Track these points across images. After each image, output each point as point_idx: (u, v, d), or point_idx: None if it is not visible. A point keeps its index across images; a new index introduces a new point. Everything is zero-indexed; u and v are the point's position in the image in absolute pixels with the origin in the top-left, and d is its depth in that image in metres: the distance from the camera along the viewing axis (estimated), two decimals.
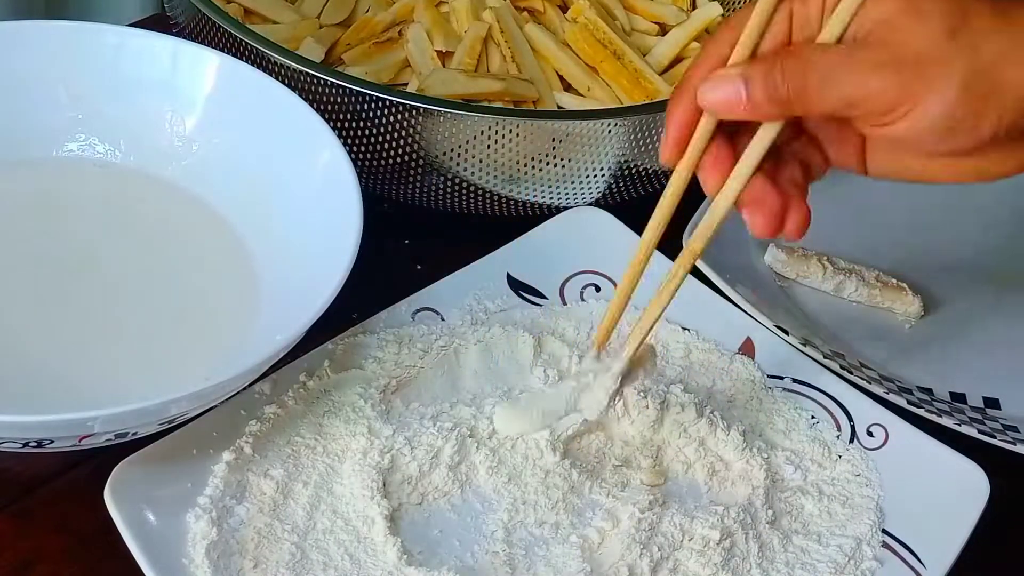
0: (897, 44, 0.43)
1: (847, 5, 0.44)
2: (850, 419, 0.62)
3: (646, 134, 0.67)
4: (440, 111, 0.63)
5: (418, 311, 0.63)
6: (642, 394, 0.57)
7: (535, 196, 0.68)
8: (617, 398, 0.55)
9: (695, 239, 0.51)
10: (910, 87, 0.43)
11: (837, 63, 0.44)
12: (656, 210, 0.51)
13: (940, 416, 0.62)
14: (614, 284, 0.67)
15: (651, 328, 0.53)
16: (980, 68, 0.43)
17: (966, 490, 0.58)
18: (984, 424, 0.63)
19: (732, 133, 0.48)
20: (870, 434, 0.61)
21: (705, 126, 0.48)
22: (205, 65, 0.64)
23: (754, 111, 0.46)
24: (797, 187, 0.49)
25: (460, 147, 0.64)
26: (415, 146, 0.65)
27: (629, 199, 0.71)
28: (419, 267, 0.69)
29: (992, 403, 0.67)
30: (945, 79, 0.43)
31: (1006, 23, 0.43)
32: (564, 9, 0.80)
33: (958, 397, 0.67)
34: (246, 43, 0.65)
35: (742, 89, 0.45)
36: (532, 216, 0.70)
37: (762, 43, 0.46)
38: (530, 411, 0.56)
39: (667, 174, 0.70)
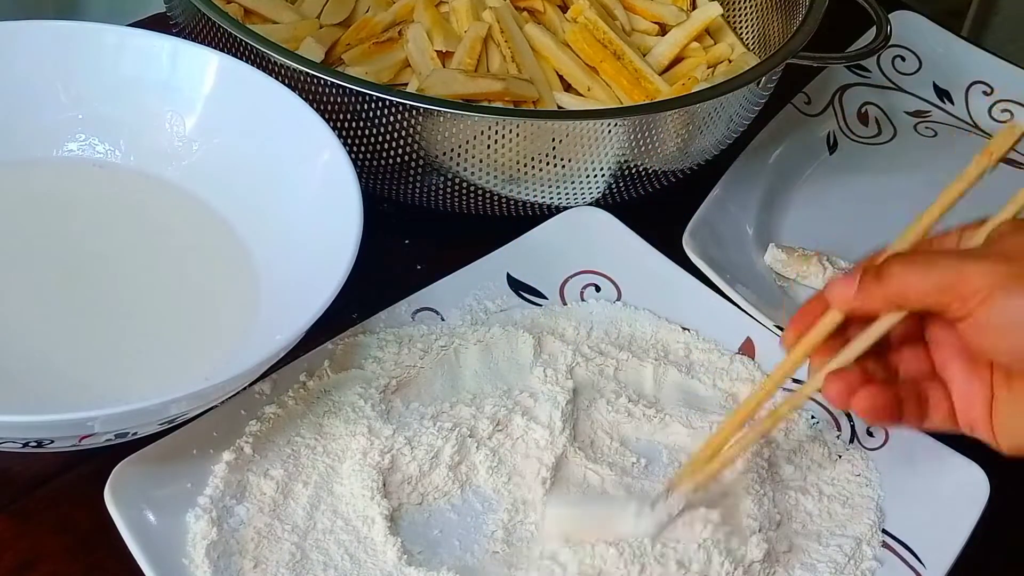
0: (998, 244, 0.49)
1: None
2: (850, 419, 0.62)
3: (646, 134, 0.67)
4: (440, 111, 0.63)
5: (418, 311, 0.63)
6: None
7: (535, 196, 0.68)
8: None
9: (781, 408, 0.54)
10: (998, 271, 0.47)
11: (940, 254, 0.50)
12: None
13: None
14: (614, 284, 0.67)
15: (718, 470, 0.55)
16: None
17: (966, 490, 0.58)
18: None
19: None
20: (870, 434, 0.61)
21: (831, 319, 0.52)
22: (205, 65, 0.64)
23: (861, 300, 0.50)
24: (907, 390, 0.51)
25: (460, 147, 0.64)
26: (415, 146, 0.65)
27: (629, 199, 0.71)
28: (419, 267, 0.69)
29: None
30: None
31: None
32: (564, 9, 0.80)
33: None
34: (246, 43, 0.65)
35: (855, 282, 0.50)
36: (532, 216, 0.70)
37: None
38: (590, 518, 0.54)
39: (665, 174, 0.71)
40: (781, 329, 0.64)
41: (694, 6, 0.84)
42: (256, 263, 0.61)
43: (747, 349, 0.65)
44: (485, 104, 0.70)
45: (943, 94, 0.89)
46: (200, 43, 0.66)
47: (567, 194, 0.69)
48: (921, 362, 0.52)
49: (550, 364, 0.61)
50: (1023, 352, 0.47)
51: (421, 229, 0.72)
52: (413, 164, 0.66)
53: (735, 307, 0.66)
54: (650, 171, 0.70)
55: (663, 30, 0.82)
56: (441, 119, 0.63)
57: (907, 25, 0.91)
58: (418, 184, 0.67)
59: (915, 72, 0.90)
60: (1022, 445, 0.50)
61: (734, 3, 0.85)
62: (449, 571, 0.51)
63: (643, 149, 0.67)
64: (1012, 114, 0.87)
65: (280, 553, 0.52)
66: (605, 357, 0.62)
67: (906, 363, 0.52)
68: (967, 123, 0.87)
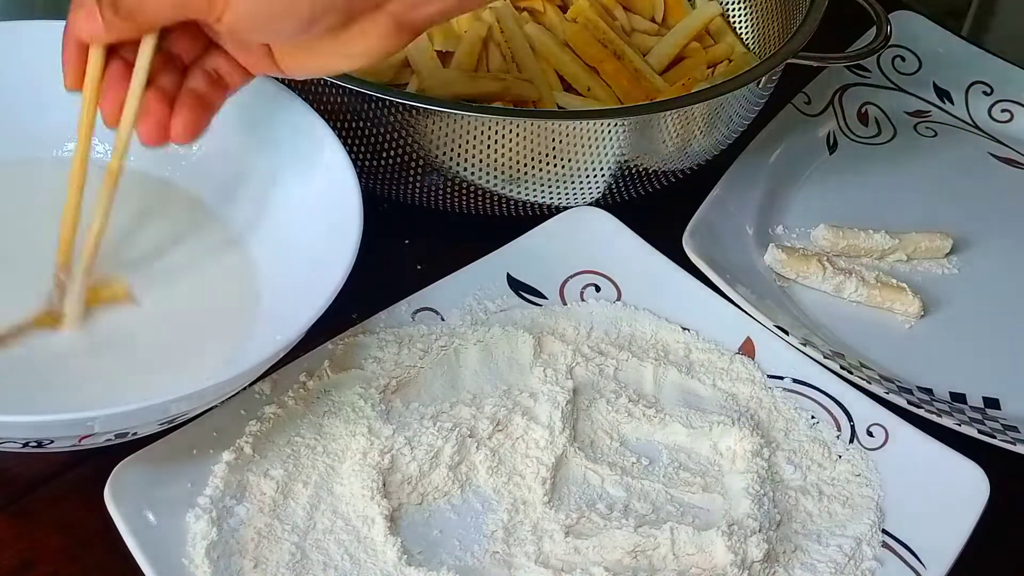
0: None
1: None
2: (850, 419, 0.62)
3: (646, 134, 0.67)
4: (440, 111, 0.63)
5: (418, 311, 0.63)
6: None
7: (535, 196, 0.68)
8: None
9: (108, 167, 0.55)
10: None
11: None
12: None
13: (940, 416, 0.62)
14: (614, 284, 0.67)
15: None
16: None
17: (966, 490, 0.58)
18: (984, 424, 0.63)
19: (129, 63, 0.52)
20: (870, 434, 0.61)
21: (96, 55, 0.51)
22: None
23: (112, 33, 0.50)
24: (199, 97, 0.53)
25: (460, 147, 0.64)
26: (415, 146, 0.65)
27: (629, 199, 0.71)
28: (419, 267, 0.69)
29: (992, 403, 0.67)
30: None
31: None
32: (564, 9, 0.80)
33: (958, 397, 0.67)
34: None
35: (98, 15, 0.49)
36: (532, 216, 0.70)
37: None
38: None
39: (665, 174, 0.71)
40: (781, 329, 0.64)
41: (694, 5, 0.84)
42: (256, 263, 0.61)
43: (747, 349, 0.65)
44: (485, 104, 0.70)
45: (943, 94, 0.89)
46: None
47: (567, 194, 0.69)
48: (219, 64, 0.54)
49: (550, 364, 0.61)
50: (283, 34, 0.49)
51: (421, 229, 0.72)
52: (413, 164, 0.66)
53: (735, 307, 0.66)
54: (650, 171, 0.70)
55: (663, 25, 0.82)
56: (441, 119, 0.63)
57: (907, 25, 0.91)
58: (418, 184, 0.67)
59: (915, 72, 0.90)
60: (304, 73, 0.54)
61: (734, 3, 0.85)
62: (449, 571, 0.51)
63: (643, 149, 0.67)
64: (1012, 114, 0.87)
65: (280, 553, 0.52)
66: (605, 357, 0.62)
67: (205, 71, 0.54)
68: (967, 123, 0.87)
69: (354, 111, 0.64)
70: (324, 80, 0.63)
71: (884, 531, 0.57)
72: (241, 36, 0.50)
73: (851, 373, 0.63)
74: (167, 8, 0.49)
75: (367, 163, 0.66)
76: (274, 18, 0.48)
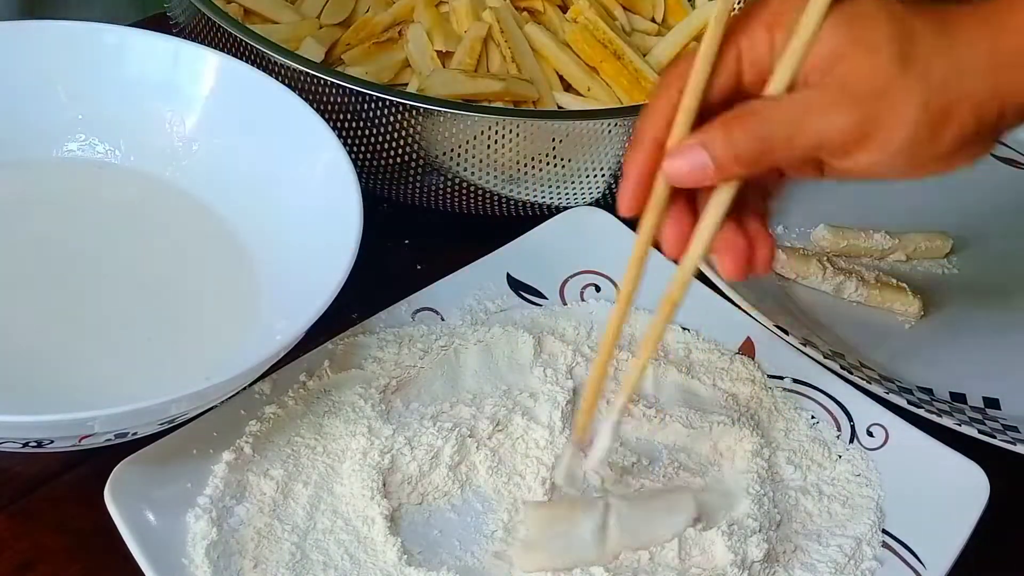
0: (852, 82, 0.44)
1: (796, 48, 0.44)
2: (850, 419, 0.62)
3: None
4: (440, 111, 0.63)
5: (418, 311, 0.63)
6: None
7: (535, 196, 0.68)
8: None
9: (673, 292, 0.50)
10: (871, 121, 0.44)
11: (798, 113, 0.45)
12: (625, 279, 0.51)
13: (940, 416, 0.62)
14: (614, 284, 0.67)
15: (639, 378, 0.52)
16: (934, 89, 0.44)
17: (966, 490, 0.58)
18: (984, 424, 0.63)
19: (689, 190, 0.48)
20: (870, 434, 0.61)
21: (663, 184, 0.47)
22: (205, 65, 0.64)
23: (723, 176, 0.46)
24: (760, 218, 0.49)
25: (460, 147, 0.64)
26: (415, 146, 0.65)
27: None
28: (419, 267, 0.69)
29: (992, 403, 0.67)
30: (904, 108, 0.44)
31: (948, 38, 0.44)
32: (564, 9, 0.80)
33: (958, 397, 0.67)
34: (246, 43, 0.65)
35: (707, 160, 0.45)
36: (532, 216, 0.70)
37: (714, 85, 0.46)
38: (552, 549, 0.53)
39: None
40: (781, 329, 0.64)
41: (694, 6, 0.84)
42: (256, 263, 0.61)
43: (747, 349, 0.65)
44: (485, 104, 0.70)
45: None
46: (200, 43, 0.65)
47: (567, 194, 0.69)
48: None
49: (550, 364, 0.61)
50: (912, 163, 0.45)
51: (421, 229, 0.72)
52: (413, 164, 0.66)
53: (735, 307, 0.66)
54: None
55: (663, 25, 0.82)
56: (441, 119, 0.63)
57: None
58: (418, 184, 0.67)
59: None
60: (844, 180, 0.48)
61: (734, 3, 0.85)
62: (449, 571, 0.51)
63: None
64: None
65: (280, 553, 0.52)
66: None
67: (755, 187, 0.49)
68: None
69: (354, 111, 0.64)
70: (324, 80, 0.63)
71: (884, 531, 0.57)
72: (858, 176, 0.46)
73: (851, 373, 0.63)
74: (800, 151, 0.45)
75: (367, 163, 0.66)
76: (913, 153, 0.44)
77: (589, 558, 0.52)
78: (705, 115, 0.46)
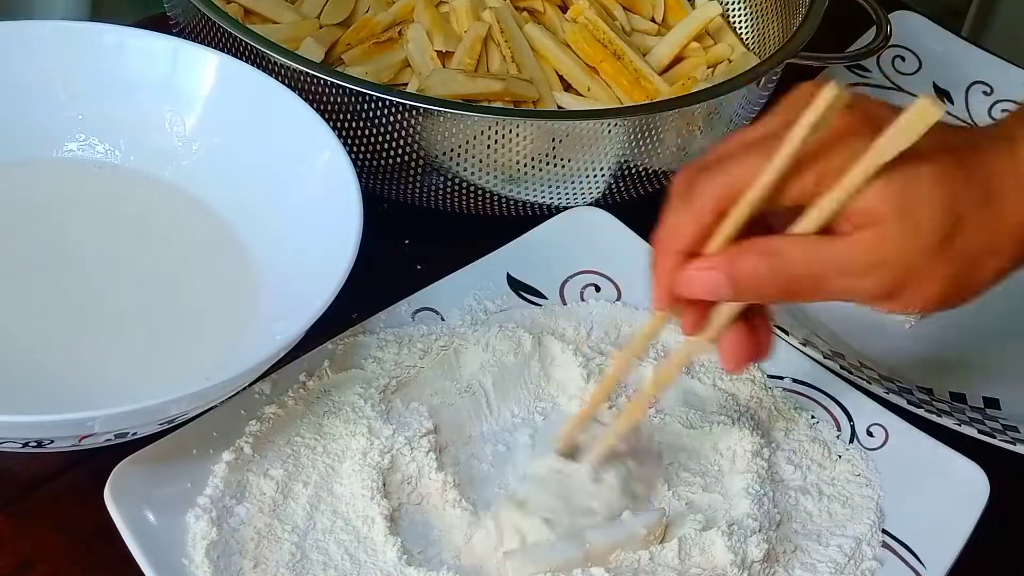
0: (888, 253, 0.45)
1: (837, 197, 0.44)
2: (850, 419, 0.62)
3: (646, 134, 0.67)
4: (440, 111, 0.63)
5: (418, 311, 0.63)
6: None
7: (535, 196, 0.68)
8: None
9: (664, 374, 0.54)
10: (898, 287, 0.45)
11: (827, 269, 0.45)
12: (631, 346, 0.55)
13: (940, 416, 0.62)
14: (614, 284, 0.67)
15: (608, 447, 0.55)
16: (966, 264, 0.46)
17: (966, 490, 0.58)
18: (984, 424, 0.63)
19: None
20: (870, 434, 0.61)
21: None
22: (205, 65, 0.64)
23: (739, 300, 0.48)
24: (764, 319, 0.50)
25: (460, 147, 0.64)
26: (415, 146, 0.65)
27: (629, 199, 0.71)
28: (419, 267, 0.69)
29: (992, 403, 0.67)
30: (932, 281, 0.46)
31: (990, 211, 0.45)
32: (564, 9, 0.80)
33: (958, 397, 0.67)
34: (246, 43, 0.65)
35: (727, 289, 0.46)
36: (532, 216, 0.70)
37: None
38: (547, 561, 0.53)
39: (665, 174, 0.71)
40: (781, 329, 0.64)
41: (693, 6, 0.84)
42: (256, 263, 0.61)
43: None
44: (485, 104, 0.70)
45: (943, 94, 0.89)
46: (200, 43, 0.66)
47: (567, 194, 0.69)
48: None
49: (550, 364, 0.61)
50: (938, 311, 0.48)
51: (421, 229, 0.72)
52: (413, 164, 0.66)
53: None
54: (650, 171, 0.70)
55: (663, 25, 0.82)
56: (441, 119, 0.63)
57: (907, 25, 0.91)
58: (418, 184, 0.67)
59: (915, 72, 0.90)
60: None
61: (734, 3, 0.85)
62: (449, 571, 0.51)
63: (643, 149, 0.67)
64: None
65: (280, 553, 0.52)
66: (605, 357, 0.62)
67: None
68: (967, 123, 0.87)
69: (354, 111, 0.64)
70: (324, 80, 0.63)
71: (884, 531, 0.57)
72: (883, 311, 0.48)
73: (851, 373, 0.63)
74: (822, 298, 0.46)
75: (367, 163, 0.66)
76: (935, 308, 0.47)
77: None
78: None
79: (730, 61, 0.81)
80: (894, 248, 0.44)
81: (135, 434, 0.51)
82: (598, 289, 0.67)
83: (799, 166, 0.45)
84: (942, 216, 0.44)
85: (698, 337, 0.50)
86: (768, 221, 0.47)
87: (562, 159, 0.66)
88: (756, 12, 0.84)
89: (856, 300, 0.47)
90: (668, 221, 0.48)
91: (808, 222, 0.45)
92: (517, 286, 0.66)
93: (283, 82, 0.64)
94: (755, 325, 0.50)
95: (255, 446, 0.55)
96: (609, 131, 0.65)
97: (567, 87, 0.76)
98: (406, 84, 0.74)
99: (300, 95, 0.63)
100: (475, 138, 0.64)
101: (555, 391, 0.61)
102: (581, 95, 0.75)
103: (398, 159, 0.66)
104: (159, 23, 0.73)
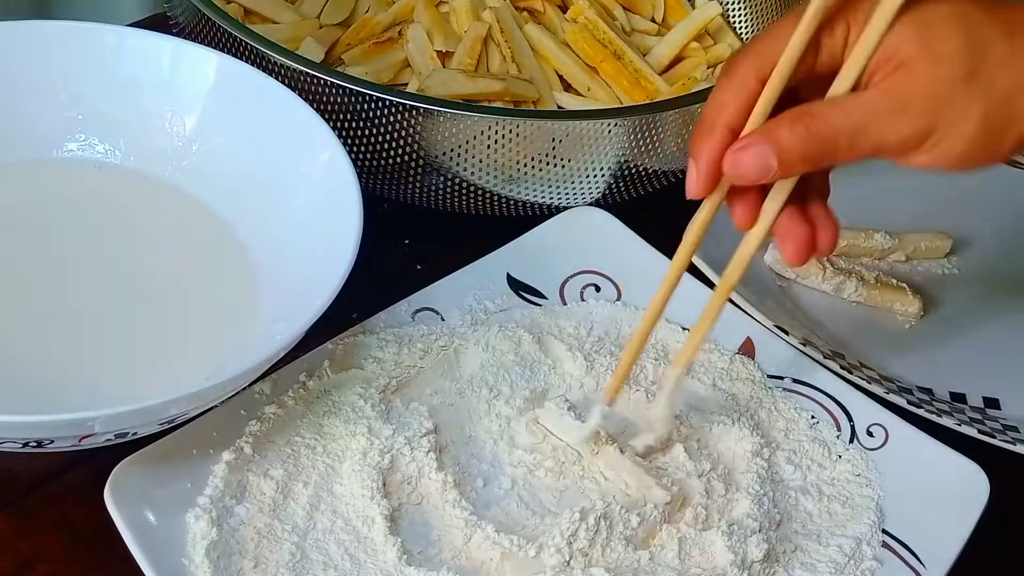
0: (916, 91, 0.45)
1: (863, 48, 0.45)
2: (850, 419, 0.62)
3: (646, 134, 0.67)
4: (440, 111, 0.63)
5: (418, 311, 0.63)
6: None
7: (535, 196, 0.68)
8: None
9: (730, 273, 0.52)
10: (931, 131, 0.45)
11: (861, 119, 0.46)
12: (683, 244, 0.53)
13: (940, 416, 0.62)
14: (614, 284, 0.67)
15: (691, 357, 0.55)
16: (998, 102, 0.45)
17: (966, 490, 0.58)
18: (984, 424, 0.63)
19: None
20: (870, 434, 0.61)
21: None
22: (205, 65, 0.64)
23: (785, 174, 0.47)
24: (821, 197, 0.51)
25: (460, 147, 0.64)
26: (415, 146, 0.65)
27: (629, 199, 0.71)
28: (419, 267, 0.69)
29: (992, 403, 0.67)
30: (965, 120, 0.45)
31: (1016, 47, 0.45)
32: (564, 9, 0.80)
33: (958, 397, 0.67)
34: (246, 43, 0.65)
35: (772, 159, 0.46)
36: (532, 216, 0.70)
37: (794, 73, 0.47)
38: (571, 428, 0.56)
39: (665, 174, 0.71)
40: (781, 329, 0.64)
41: (693, 5, 0.84)
42: (256, 263, 0.61)
43: (747, 349, 0.65)
44: (485, 104, 0.70)
45: None
46: (200, 43, 0.65)
47: (567, 194, 0.69)
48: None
49: (550, 364, 0.61)
50: (968, 167, 0.47)
51: (421, 229, 0.72)
52: (413, 164, 0.66)
53: (735, 307, 0.66)
54: (650, 171, 0.70)
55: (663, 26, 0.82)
56: (441, 119, 0.63)
57: None
58: (418, 184, 0.67)
59: None
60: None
61: (734, 3, 0.85)
62: (449, 571, 0.51)
63: (643, 149, 0.67)
64: None
65: (280, 553, 0.52)
66: (605, 357, 0.62)
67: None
68: None
69: (354, 111, 0.64)
70: (324, 80, 0.63)
71: (884, 531, 0.57)
72: (916, 167, 0.47)
73: (851, 373, 0.63)
74: (861, 153, 0.47)
75: (367, 163, 0.66)
76: (971, 159, 0.46)
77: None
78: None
79: None
80: (921, 85, 0.45)
81: (135, 434, 0.51)
82: (598, 289, 0.67)
83: (828, 27, 0.46)
84: (966, 49, 0.44)
85: (754, 231, 0.50)
86: (807, 100, 0.48)
87: (562, 159, 0.66)
88: (756, 12, 0.84)
89: (893, 152, 0.46)
90: (711, 101, 0.49)
91: (840, 83, 0.46)
92: (517, 286, 0.66)
93: (283, 82, 0.64)
94: (813, 215, 0.50)
95: (255, 446, 0.55)
96: (609, 131, 0.65)
97: (567, 87, 0.76)
98: (406, 84, 0.74)
99: (300, 95, 0.63)
100: (475, 138, 0.64)
101: (555, 391, 0.61)
102: (581, 95, 0.75)
103: (398, 159, 0.66)
104: (159, 23, 0.73)
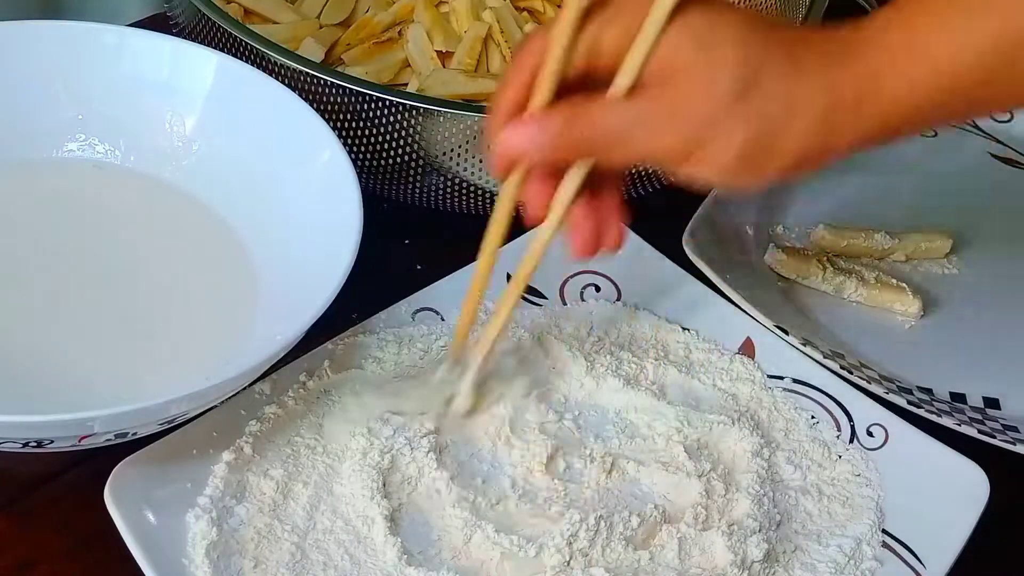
0: (685, 102, 0.44)
1: (638, 50, 0.44)
2: (850, 419, 0.62)
3: None
4: (440, 111, 0.63)
5: (418, 311, 0.63)
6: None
7: None
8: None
9: (523, 267, 0.53)
10: (697, 144, 0.45)
11: (628, 125, 0.45)
12: (488, 233, 0.54)
13: (940, 416, 0.62)
14: (614, 284, 0.67)
15: (492, 345, 0.56)
16: (762, 125, 0.44)
17: (966, 490, 0.58)
18: (984, 424, 0.63)
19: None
20: (870, 434, 0.61)
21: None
22: (205, 65, 0.64)
23: (551, 160, 0.48)
24: (617, 191, 0.51)
25: (460, 147, 0.64)
26: (415, 146, 0.65)
27: (629, 199, 0.71)
28: (419, 267, 0.69)
29: (992, 403, 0.67)
30: (728, 139, 0.44)
31: (792, 72, 0.44)
32: None
33: (958, 397, 0.67)
34: (246, 43, 0.64)
35: (540, 142, 0.46)
36: None
37: (570, 68, 0.46)
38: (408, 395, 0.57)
39: (664, 174, 0.71)
40: (781, 329, 0.64)
41: None
42: (256, 263, 0.61)
43: (747, 349, 0.64)
44: (485, 104, 0.70)
45: None
46: (200, 43, 0.66)
47: None
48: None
49: (550, 364, 0.61)
50: (739, 184, 0.47)
51: (421, 229, 0.72)
52: (413, 164, 0.66)
53: (735, 307, 0.66)
54: (650, 171, 0.70)
55: None
56: (441, 119, 0.63)
57: None
58: (418, 184, 0.67)
59: None
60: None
61: (734, 3, 0.85)
62: (449, 571, 0.51)
63: None
64: (1011, 114, 0.87)
65: (280, 553, 0.52)
66: (605, 356, 0.62)
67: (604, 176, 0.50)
68: (967, 122, 0.87)
69: (354, 111, 0.64)
70: (324, 80, 0.63)
71: (884, 531, 0.57)
72: (688, 178, 0.47)
73: (851, 373, 0.63)
74: (627, 158, 0.47)
75: (367, 163, 0.66)
76: (737, 177, 0.45)
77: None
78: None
79: None
80: (689, 99, 0.44)
81: (135, 434, 0.51)
82: (598, 289, 0.67)
83: (608, 20, 0.45)
84: (741, 64, 0.43)
85: (546, 223, 0.50)
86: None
87: None
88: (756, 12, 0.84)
89: (660, 161, 0.46)
90: (497, 88, 0.49)
91: (619, 82, 0.45)
92: None
93: (283, 82, 0.64)
94: (605, 209, 0.50)
95: (255, 446, 0.55)
96: None
97: None
98: (406, 84, 0.74)
99: (300, 95, 0.63)
100: (475, 138, 0.64)
101: (555, 391, 0.61)
102: None
103: (398, 159, 0.66)
104: (159, 23, 0.73)
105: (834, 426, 0.61)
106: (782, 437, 0.61)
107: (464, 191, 0.67)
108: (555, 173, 0.49)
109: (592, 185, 0.49)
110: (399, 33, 0.75)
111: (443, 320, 0.63)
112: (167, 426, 0.52)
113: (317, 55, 0.72)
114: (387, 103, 0.63)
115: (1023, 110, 0.86)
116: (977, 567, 0.56)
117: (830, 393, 0.63)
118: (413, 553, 0.53)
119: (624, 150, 0.46)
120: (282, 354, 0.53)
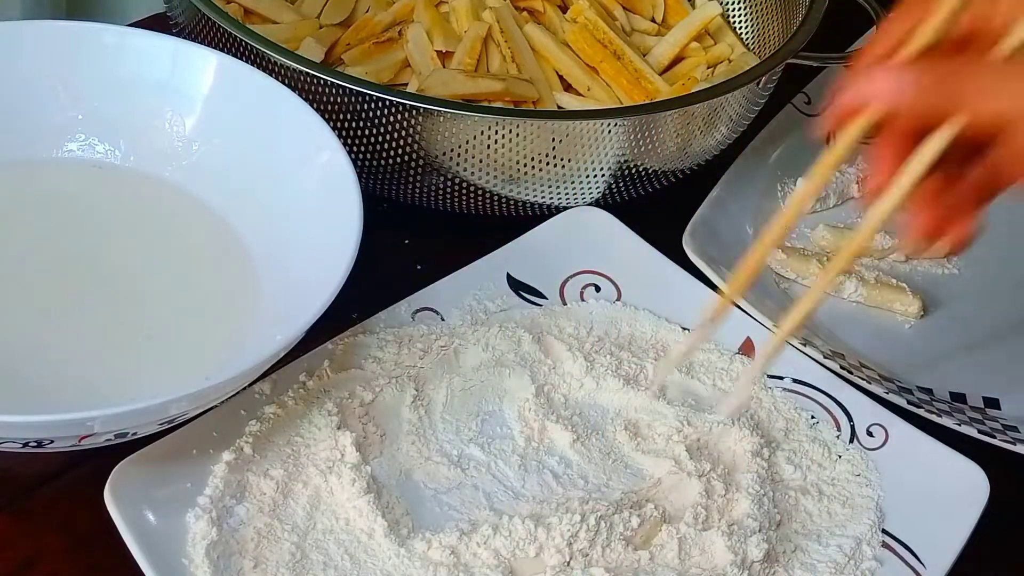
0: None
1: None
2: (850, 419, 0.62)
3: (646, 134, 0.67)
4: (440, 111, 0.63)
5: (418, 311, 0.63)
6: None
7: (535, 196, 0.68)
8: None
9: (852, 243, 0.49)
10: None
11: (1003, 74, 0.44)
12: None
13: (940, 416, 0.62)
14: (614, 284, 0.67)
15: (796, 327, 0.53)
16: None
17: (966, 490, 0.58)
18: (984, 424, 0.63)
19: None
20: (870, 434, 0.61)
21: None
22: (205, 65, 0.64)
23: (906, 106, 0.45)
24: (972, 189, 0.47)
25: (460, 147, 0.64)
26: (415, 146, 0.65)
27: (629, 199, 0.71)
28: (419, 267, 0.69)
29: (992, 403, 0.67)
30: None
31: None
32: (564, 9, 0.80)
33: (958, 397, 0.67)
34: (246, 43, 0.65)
35: (894, 92, 0.44)
36: (532, 216, 0.70)
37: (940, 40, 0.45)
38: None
39: (665, 174, 0.71)
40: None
41: (693, 6, 0.84)
42: (256, 263, 0.61)
43: (747, 349, 0.65)
44: (485, 104, 0.70)
45: None
46: (200, 43, 0.66)
47: (567, 194, 0.69)
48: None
49: (551, 364, 0.61)
50: None
51: (421, 229, 0.72)
52: (413, 164, 0.66)
53: (735, 307, 0.66)
54: (650, 171, 0.70)
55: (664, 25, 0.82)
56: (441, 119, 0.63)
57: None
58: (418, 184, 0.67)
59: None
60: None
61: (734, 3, 0.85)
62: (449, 570, 0.51)
63: (643, 149, 0.67)
64: None
65: (280, 553, 0.52)
66: (605, 357, 0.62)
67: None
68: None
69: (354, 111, 0.64)
70: (324, 80, 0.63)
71: (884, 531, 0.57)
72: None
73: (851, 373, 0.63)
74: (991, 109, 0.43)
75: (367, 163, 0.66)
76: None
77: None
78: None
79: (730, 61, 0.81)
80: None
81: (135, 434, 0.51)
82: (598, 289, 0.67)
83: None
84: None
85: (887, 195, 0.46)
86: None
87: (562, 159, 0.66)
88: (756, 12, 0.84)
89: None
90: (872, 39, 0.47)
91: (1007, 43, 0.44)
92: (517, 286, 0.66)
93: (283, 82, 0.64)
94: (957, 195, 0.46)
95: (255, 446, 0.55)
96: (609, 131, 0.65)
97: (567, 87, 0.76)
98: (406, 84, 0.74)
99: (300, 95, 0.63)
100: (475, 138, 0.64)
101: (555, 391, 0.61)
102: (581, 95, 0.75)
103: (398, 159, 0.66)
104: (159, 23, 0.73)
105: (834, 426, 0.61)
106: (782, 437, 0.61)
107: (464, 191, 0.67)
108: (906, 142, 0.45)
109: (947, 167, 0.45)
110: (399, 33, 0.75)
111: (443, 320, 0.63)
112: (167, 426, 0.52)
113: (317, 55, 0.72)
114: (387, 103, 0.63)
115: None
116: (977, 567, 0.56)
117: (830, 393, 0.63)
118: (413, 553, 0.53)
119: (996, 104, 0.43)
120: (282, 354, 0.53)
